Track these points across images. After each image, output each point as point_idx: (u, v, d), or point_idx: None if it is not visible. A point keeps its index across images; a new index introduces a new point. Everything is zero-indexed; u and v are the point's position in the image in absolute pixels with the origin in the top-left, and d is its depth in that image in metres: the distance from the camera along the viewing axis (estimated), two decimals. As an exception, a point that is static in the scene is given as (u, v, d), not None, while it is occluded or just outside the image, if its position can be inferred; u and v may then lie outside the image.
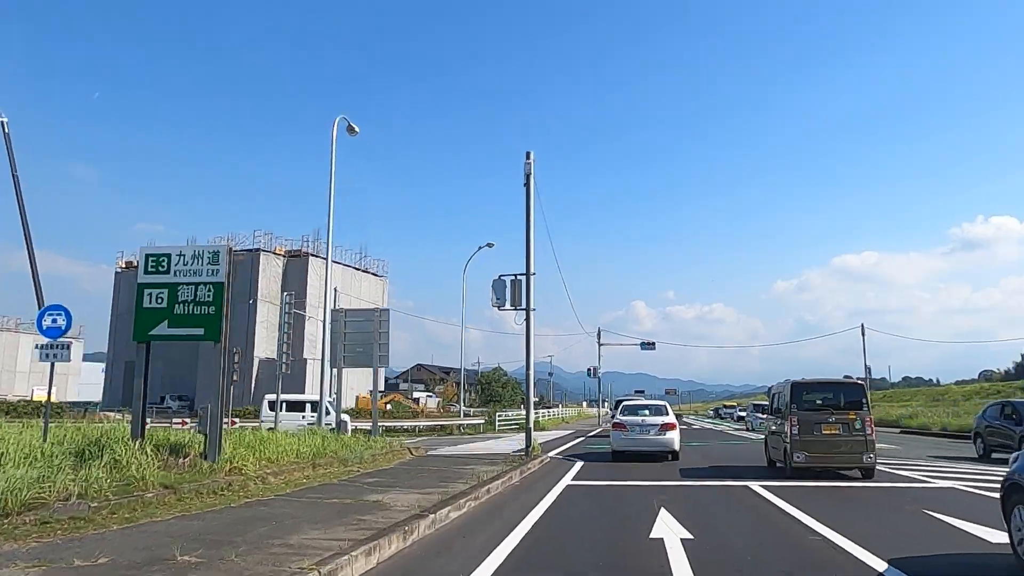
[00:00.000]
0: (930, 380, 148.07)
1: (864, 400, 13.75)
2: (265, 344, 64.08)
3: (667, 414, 19.31)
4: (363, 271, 73.69)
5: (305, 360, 62.99)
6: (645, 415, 19.35)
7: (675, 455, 18.25)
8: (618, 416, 20.04)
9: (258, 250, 63.62)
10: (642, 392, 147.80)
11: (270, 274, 64.70)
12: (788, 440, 13.54)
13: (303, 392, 62.64)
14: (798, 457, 13.29)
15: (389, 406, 76.54)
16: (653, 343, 50.21)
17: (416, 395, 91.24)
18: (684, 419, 47.17)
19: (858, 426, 13.17)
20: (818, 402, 13.96)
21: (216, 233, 64.73)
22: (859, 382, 15.33)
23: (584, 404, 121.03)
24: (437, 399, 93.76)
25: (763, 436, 18.14)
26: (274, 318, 65.19)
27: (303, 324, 64.50)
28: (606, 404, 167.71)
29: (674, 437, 18.27)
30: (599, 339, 50.40)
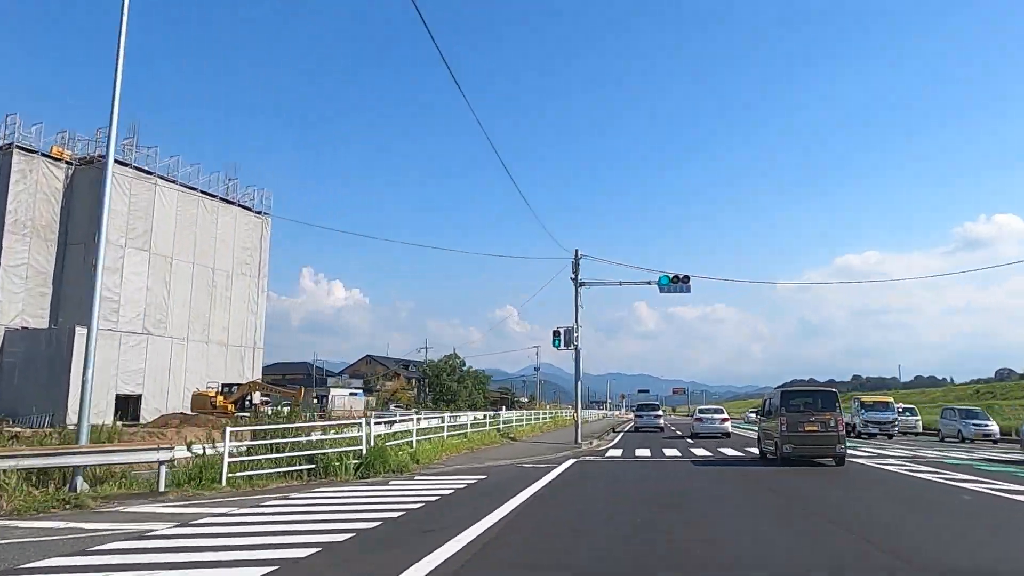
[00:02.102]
0: (943, 379, 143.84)
1: (837, 404, 16.68)
2: (23, 303, 38.41)
3: (723, 413, 33.94)
4: (231, 203, 48.18)
5: (74, 328, 37.31)
6: (712, 414, 33.56)
7: (728, 435, 31.23)
8: (696, 414, 35.72)
9: (10, 146, 38.05)
10: (647, 392, 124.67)
11: (37, 188, 39.12)
12: (778, 435, 16.69)
13: (68, 375, 37.21)
14: (786, 448, 16.38)
15: (270, 402, 51.83)
16: (687, 278, 24.69)
17: (337, 392, 65.68)
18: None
19: (832, 424, 16.09)
20: (801, 406, 16.75)
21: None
22: (832, 390, 17.73)
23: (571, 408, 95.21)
24: (368, 398, 68.17)
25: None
26: (44, 260, 39.51)
27: (93, 270, 39.39)
28: (604, 406, 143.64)
29: (728, 426, 32.39)
30: (576, 273, 25.03)
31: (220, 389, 42.42)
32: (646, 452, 21.43)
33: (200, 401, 41.38)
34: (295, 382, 78.17)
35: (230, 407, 41.49)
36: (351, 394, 65.48)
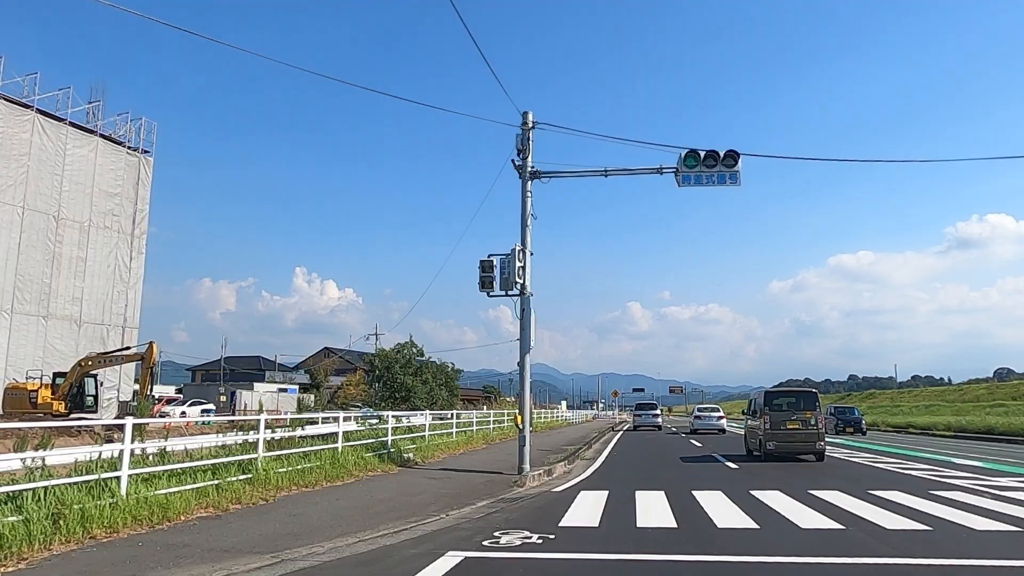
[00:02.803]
0: (941, 379, 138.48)
1: (817, 403, 17.38)
2: None
3: (719, 411, 36.70)
4: (90, 131, 35.94)
5: None
6: (709, 413, 36.13)
7: (723, 431, 33.57)
8: (696, 412, 37.25)
9: None
10: (642, 391, 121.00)
11: None
12: (762, 433, 17.33)
13: None
14: (770, 445, 17.06)
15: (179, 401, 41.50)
16: (733, 154, 12.64)
17: (263, 387, 53.32)
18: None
19: (812, 423, 16.76)
20: (784, 405, 17.48)
21: None
22: (813, 390, 18.42)
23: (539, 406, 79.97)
24: (302, 396, 55.91)
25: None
26: None
27: None
28: (595, 407, 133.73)
29: (723, 423, 34.79)
30: (524, 153, 13.21)
31: (49, 380, 30.15)
32: (656, 503, 9.38)
33: (16, 398, 29.13)
34: (246, 377, 65.98)
35: (57, 405, 29.24)
36: (280, 390, 53.13)
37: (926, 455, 20.17)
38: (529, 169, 13.74)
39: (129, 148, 38.01)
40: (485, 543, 6.86)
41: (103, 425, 16.44)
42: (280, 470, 10.09)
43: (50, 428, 9.62)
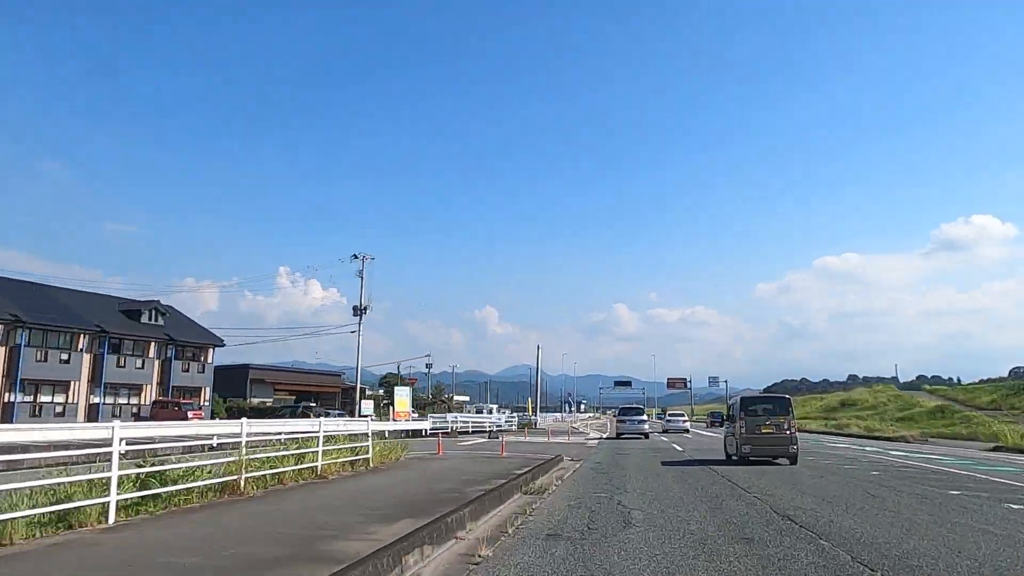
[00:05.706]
0: (949, 379, 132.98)
1: (790, 409, 18.50)
2: None
3: (684, 416, 50.74)
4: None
5: None
6: (676, 417, 49.35)
7: (687, 431, 45.52)
8: (666, 417, 50.52)
9: None
10: (628, 384, 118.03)
11: None
12: (739, 437, 18.56)
13: None
14: (745, 449, 18.17)
15: None
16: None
17: None
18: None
19: (786, 427, 17.94)
20: (759, 411, 18.75)
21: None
22: (786, 396, 19.96)
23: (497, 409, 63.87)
24: None
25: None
26: None
27: None
28: (581, 410, 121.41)
29: (687, 424, 48.10)
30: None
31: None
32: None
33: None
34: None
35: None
36: None
37: None
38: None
39: None
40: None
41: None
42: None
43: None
